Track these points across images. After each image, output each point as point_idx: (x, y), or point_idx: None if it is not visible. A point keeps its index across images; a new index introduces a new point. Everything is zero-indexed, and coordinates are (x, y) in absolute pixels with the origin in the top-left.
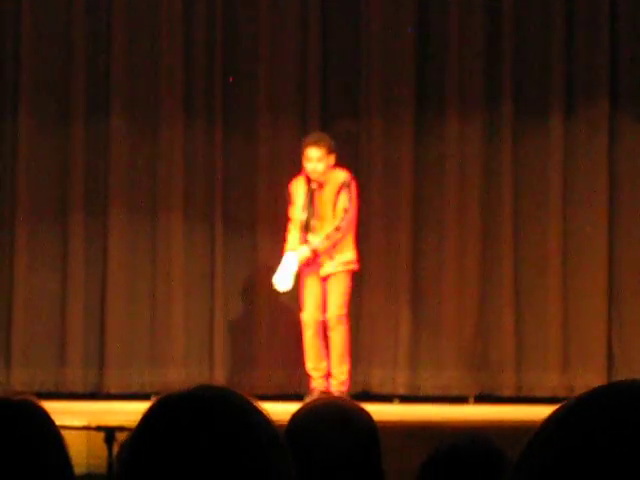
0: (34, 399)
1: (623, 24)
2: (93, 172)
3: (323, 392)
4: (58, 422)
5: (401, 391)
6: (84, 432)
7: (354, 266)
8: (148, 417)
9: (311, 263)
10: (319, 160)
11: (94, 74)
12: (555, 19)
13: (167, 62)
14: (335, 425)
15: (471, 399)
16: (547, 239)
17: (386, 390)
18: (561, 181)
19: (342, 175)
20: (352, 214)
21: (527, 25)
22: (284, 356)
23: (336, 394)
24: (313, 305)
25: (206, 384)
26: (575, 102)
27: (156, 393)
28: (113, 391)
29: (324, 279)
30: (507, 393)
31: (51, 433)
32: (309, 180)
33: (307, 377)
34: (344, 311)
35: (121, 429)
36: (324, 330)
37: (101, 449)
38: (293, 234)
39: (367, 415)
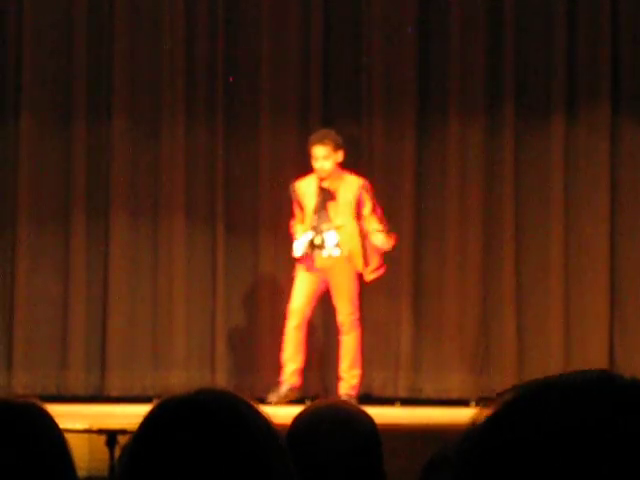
0: (37, 402)
1: (625, 26)
2: (95, 174)
3: (291, 389)
4: (60, 425)
5: (402, 394)
6: (86, 435)
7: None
8: (149, 420)
9: (306, 259)
10: (325, 158)
11: (96, 75)
12: (557, 21)
13: (169, 63)
14: (337, 428)
15: (473, 402)
16: (549, 241)
17: (388, 393)
18: (563, 183)
19: (357, 180)
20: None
21: (529, 27)
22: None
23: (344, 397)
24: (303, 298)
25: (207, 387)
26: (577, 104)
27: (158, 396)
28: (115, 394)
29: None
30: None
31: (54, 435)
32: (321, 182)
33: (279, 368)
34: (357, 315)
35: (123, 432)
36: (337, 333)
37: (103, 452)
38: (300, 226)
39: (369, 418)
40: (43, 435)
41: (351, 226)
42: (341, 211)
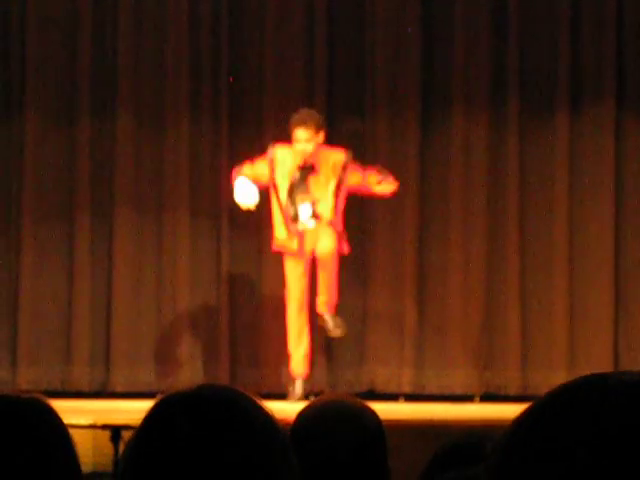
0: (42, 397)
1: (629, 22)
2: (99, 172)
3: (303, 383)
4: (64, 420)
5: (406, 390)
6: (90, 430)
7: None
8: (151, 416)
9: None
10: (308, 141)
11: (100, 74)
12: (561, 17)
13: (173, 62)
14: (341, 423)
15: (477, 398)
16: (553, 238)
17: (391, 389)
18: (567, 180)
19: (339, 155)
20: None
21: (533, 23)
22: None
23: (322, 315)
24: (295, 283)
25: (209, 383)
26: (581, 100)
27: (162, 392)
28: (119, 389)
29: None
30: (513, 392)
31: (59, 431)
32: (301, 162)
33: (287, 358)
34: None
35: (127, 428)
36: (311, 269)
37: (107, 447)
38: (248, 172)
39: (373, 413)
40: (47, 431)
41: (330, 200)
42: (321, 185)
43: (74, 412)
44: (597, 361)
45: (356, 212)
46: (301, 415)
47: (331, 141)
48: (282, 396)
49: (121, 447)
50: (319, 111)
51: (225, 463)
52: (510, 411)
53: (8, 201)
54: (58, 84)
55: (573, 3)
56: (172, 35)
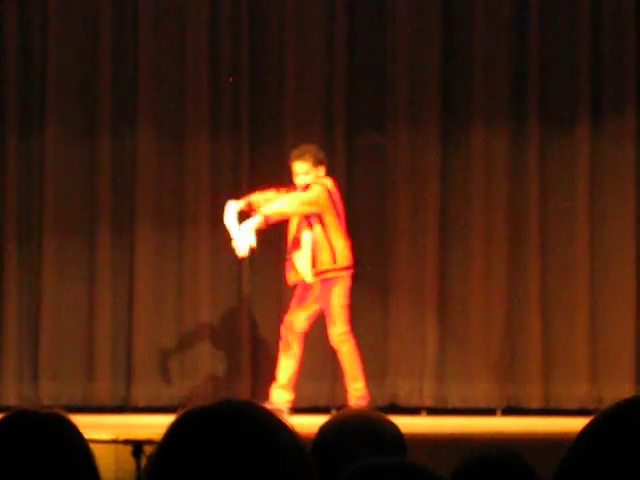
0: (63, 413)
1: None
2: (120, 186)
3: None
4: (86, 436)
5: (428, 403)
6: (112, 445)
7: (343, 273)
8: (172, 431)
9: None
10: (306, 174)
11: (121, 88)
12: (582, 30)
13: (194, 76)
14: (363, 438)
15: (498, 411)
16: (574, 250)
17: (413, 402)
18: (588, 191)
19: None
20: (300, 203)
21: (553, 37)
22: (311, 368)
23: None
24: (295, 310)
25: (230, 398)
26: (602, 113)
27: (183, 407)
28: (141, 404)
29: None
30: (535, 405)
31: (80, 447)
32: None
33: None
34: (345, 328)
35: (149, 442)
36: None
37: (129, 462)
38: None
39: (395, 427)
40: (68, 447)
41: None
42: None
43: (96, 427)
44: (619, 374)
45: (377, 226)
46: (323, 429)
47: (351, 157)
48: (304, 410)
49: (143, 462)
50: (339, 126)
51: (246, 478)
52: (532, 424)
53: (29, 215)
54: (79, 99)
55: (594, 17)
56: (192, 50)
